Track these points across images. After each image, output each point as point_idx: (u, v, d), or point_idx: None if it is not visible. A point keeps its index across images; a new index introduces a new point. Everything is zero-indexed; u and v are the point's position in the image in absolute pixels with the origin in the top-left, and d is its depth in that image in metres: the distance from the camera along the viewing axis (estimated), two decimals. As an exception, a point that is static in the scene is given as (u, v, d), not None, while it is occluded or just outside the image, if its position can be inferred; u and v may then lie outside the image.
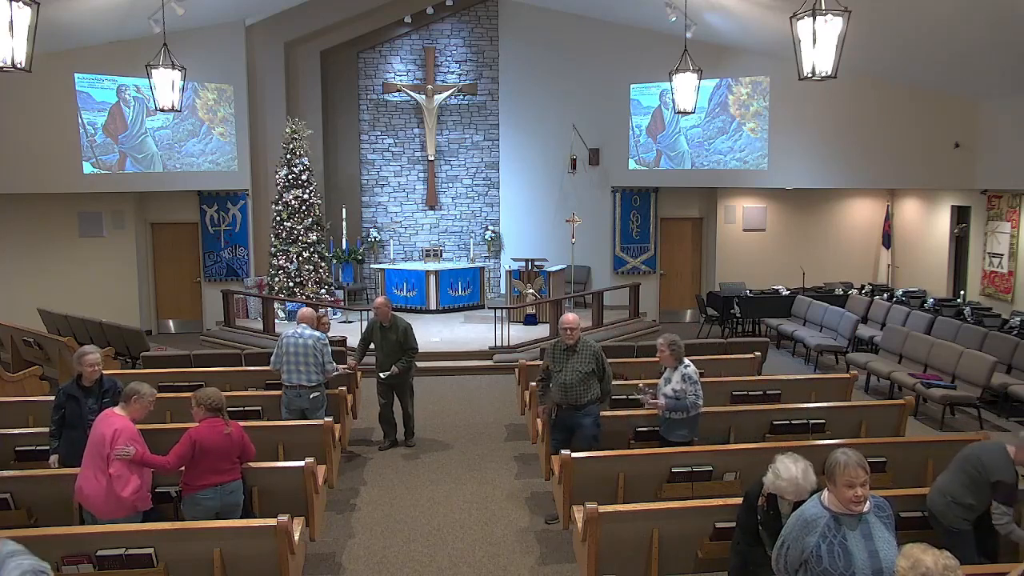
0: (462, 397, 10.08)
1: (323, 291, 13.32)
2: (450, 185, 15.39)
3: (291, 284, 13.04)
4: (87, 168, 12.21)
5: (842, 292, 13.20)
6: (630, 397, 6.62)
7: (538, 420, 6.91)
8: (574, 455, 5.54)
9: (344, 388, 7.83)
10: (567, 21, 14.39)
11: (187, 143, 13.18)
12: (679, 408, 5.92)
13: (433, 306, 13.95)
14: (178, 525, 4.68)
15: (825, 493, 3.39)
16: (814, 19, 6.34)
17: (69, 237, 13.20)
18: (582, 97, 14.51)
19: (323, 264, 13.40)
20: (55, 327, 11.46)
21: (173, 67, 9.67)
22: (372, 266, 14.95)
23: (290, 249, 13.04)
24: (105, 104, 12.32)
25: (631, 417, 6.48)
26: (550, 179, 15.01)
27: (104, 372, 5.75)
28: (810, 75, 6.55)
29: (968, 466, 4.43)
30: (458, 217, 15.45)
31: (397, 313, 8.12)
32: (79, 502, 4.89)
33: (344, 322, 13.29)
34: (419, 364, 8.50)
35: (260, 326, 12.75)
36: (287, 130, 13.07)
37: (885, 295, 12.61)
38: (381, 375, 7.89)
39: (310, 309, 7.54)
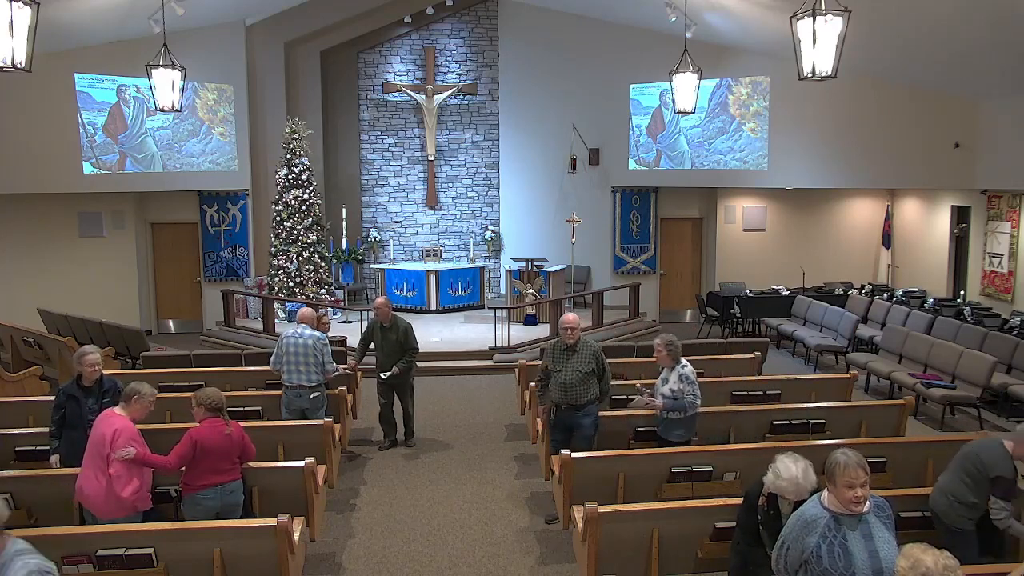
0: (462, 397, 10.08)
1: (323, 291, 13.32)
2: (450, 185, 15.39)
3: (291, 284, 13.04)
4: (87, 168, 12.21)
5: (842, 292, 13.20)
6: (629, 397, 6.62)
7: (538, 420, 6.91)
8: (574, 455, 5.54)
9: (344, 388, 7.83)
10: (567, 21, 14.39)
11: (187, 143, 13.19)
12: (677, 408, 5.93)
13: (433, 306, 13.95)
14: (178, 525, 4.68)
15: (825, 493, 3.39)
16: (814, 19, 6.34)
17: (69, 237, 13.20)
18: (582, 97, 14.51)
19: (323, 264, 13.40)
20: (55, 327, 11.46)
21: (173, 67, 9.67)
22: (372, 266, 14.95)
23: (290, 249, 13.04)
24: (105, 104, 12.32)
25: (631, 417, 6.48)
26: (550, 179, 15.01)
27: (104, 372, 5.75)
28: (810, 75, 6.55)
29: (967, 464, 4.44)
30: (458, 217, 15.45)
31: (397, 313, 8.12)
32: (79, 502, 4.90)
33: (344, 322, 13.30)
34: (419, 364, 8.49)
35: (260, 326, 12.75)
36: (287, 130, 13.07)
37: (885, 295, 12.61)
38: (381, 375, 7.89)
39: (310, 309, 7.53)
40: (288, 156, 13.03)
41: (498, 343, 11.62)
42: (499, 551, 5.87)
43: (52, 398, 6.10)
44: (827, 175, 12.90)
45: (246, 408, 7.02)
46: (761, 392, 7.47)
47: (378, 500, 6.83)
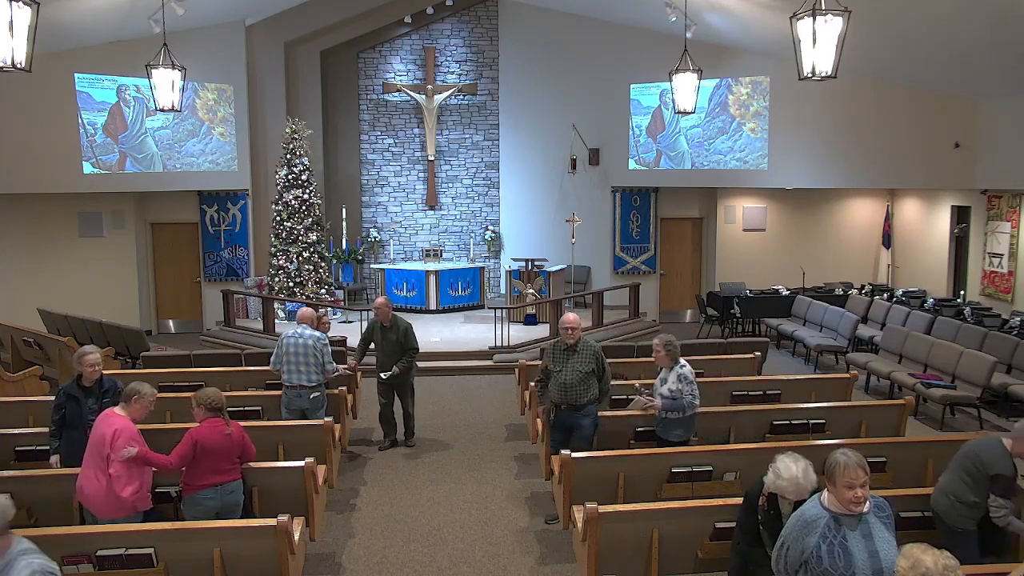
0: (462, 397, 10.08)
1: (323, 291, 13.32)
2: (450, 185, 15.39)
3: (291, 284, 13.04)
4: (87, 168, 12.21)
5: (842, 292, 13.20)
6: (629, 397, 6.62)
7: (538, 420, 6.91)
8: (574, 455, 5.54)
9: (344, 388, 7.83)
10: (567, 21, 14.39)
11: (187, 143, 13.19)
12: (676, 408, 5.93)
13: (433, 306, 13.95)
14: (178, 525, 4.68)
15: (825, 493, 3.39)
16: (814, 19, 6.34)
17: (69, 237, 13.20)
18: (582, 97, 14.51)
19: (323, 264, 13.40)
20: (55, 327, 11.46)
21: (173, 67, 9.67)
22: (372, 266, 14.95)
23: (290, 249, 13.04)
24: (105, 104, 12.32)
25: (631, 417, 6.48)
26: (550, 179, 15.01)
27: (104, 372, 5.75)
28: (810, 75, 6.55)
29: (967, 463, 4.44)
30: (458, 217, 15.45)
31: (397, 313, 8.12)
32: (80, 502, 4.90)
33: (344, 322, 13.30)
34: (419, 364, 8.50)
35: (260, 326, 12.75)
36: (287, 130, 13.07)
37: (885, 295, 12.61)
38: (381, 375, 7.89)
39: (310, 309, 7.53)
40: (288, 156, 13.03)
41: (498, 343, 11.62)
42: (499, 551, 5.87)
43: (52, 398, 6.10)
44: (827, 175, 12.90)
45: (246, 408, 7.02)
46: (761, 392, 7.48)
47: (378, 500, 6.83)
